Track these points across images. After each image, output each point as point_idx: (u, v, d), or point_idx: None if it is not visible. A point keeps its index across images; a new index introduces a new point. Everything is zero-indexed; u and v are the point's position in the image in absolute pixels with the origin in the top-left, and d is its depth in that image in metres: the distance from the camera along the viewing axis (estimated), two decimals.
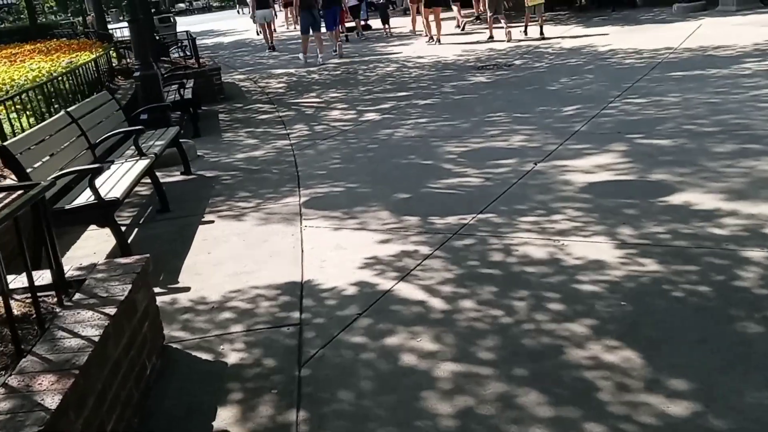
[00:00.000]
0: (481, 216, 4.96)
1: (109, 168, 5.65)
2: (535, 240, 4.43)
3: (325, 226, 5.18)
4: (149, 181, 6.09)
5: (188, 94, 9.28)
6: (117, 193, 4.79)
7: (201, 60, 13.66)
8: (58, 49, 19.03)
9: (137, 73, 7.50)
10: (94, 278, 3.32)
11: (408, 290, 3.93)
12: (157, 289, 4.27)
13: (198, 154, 7.97)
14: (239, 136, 8.98)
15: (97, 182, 4.87)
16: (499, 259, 4.21)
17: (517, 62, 12.41)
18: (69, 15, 40.78)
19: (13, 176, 5.07)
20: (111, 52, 14.47)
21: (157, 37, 16.49)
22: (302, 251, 4.71)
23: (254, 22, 21.63)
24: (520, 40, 15.03)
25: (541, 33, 15.28)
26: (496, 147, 6.87)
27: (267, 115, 10.28)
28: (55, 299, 3.13)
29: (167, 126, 7.22)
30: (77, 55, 15.39)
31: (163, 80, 10.47)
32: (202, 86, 11.88)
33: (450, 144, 7.17)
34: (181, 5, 60.28)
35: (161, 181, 6.76)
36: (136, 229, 5.67)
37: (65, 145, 5.51)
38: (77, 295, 3.15)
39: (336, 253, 4.63)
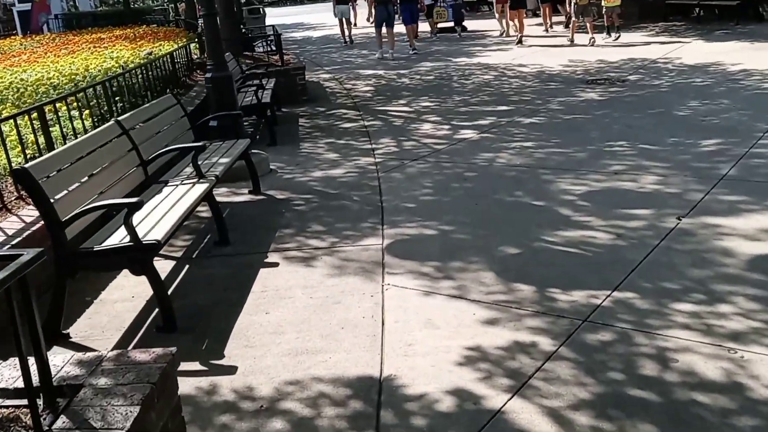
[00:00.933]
0: (617, 294, 3.79)
1: (160, 191, 4.76)
2: (699, 345, 3.24)
3: (412, 287, 4.12)
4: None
5: (266, 97, 8.38)
6: (159, 233, 3.87)
7: (285, 57, 12.84)
8: (144, 36, 18.67)
9: (208, 74, 6.62)
10: (93, 386, 2.36)
11: (527, 415, 2.83)
12: (195, 366, 3.33)
13: (271, 167, 7.05)
14: (319, 147, 8.03)
15: (139, 215, 3.96)
16: (654, 373, 3.06)
17: (632, 78, 11.03)
18: (166, 1, 41.10)
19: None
20: (194, 43, 13.84)
21: (243, 30, 15.84)
22: (383, 324, 3.67)
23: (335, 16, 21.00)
24: (603, 46, 13.58)
25: (609, 33, 15.69)
26: (623, 189, 5.66)
27: (351, 123, 9.30)
28: (29, 416, 2.18)
29: (237, 137, 6.32)
30: (160, 45, 14.87)
31: (242, 78, 9.66)
32: (284, 86, 11.05)
33: (564, 179, 6.00)
34: None
35: (225, 200, 5.91)
36: (186, 267, 4.75)
37: (110, 162, 4.63)
38: (61, 421, 2.18)
39: (427, 333, 3.56)
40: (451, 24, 20.44)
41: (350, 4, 21.06)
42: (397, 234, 5.01)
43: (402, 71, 13.87)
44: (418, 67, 14.21)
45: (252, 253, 4.85)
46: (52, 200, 3.73)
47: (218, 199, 5.94)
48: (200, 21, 21.09)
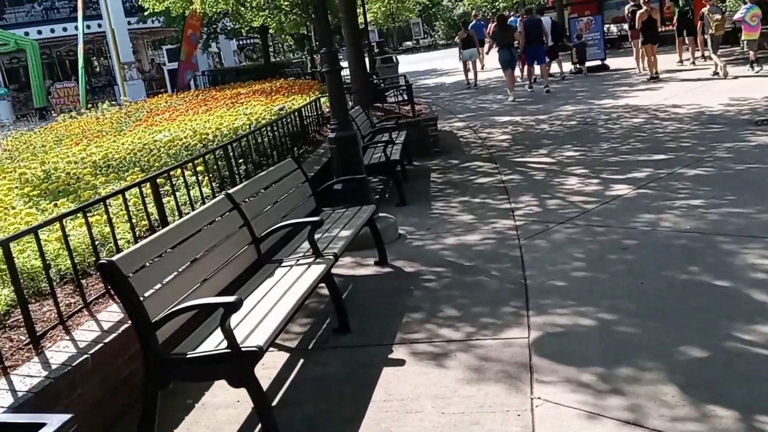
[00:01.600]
0: None
1: (272, 274, 4.20)
2: None
3: (570, 404, 3.27)
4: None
5: (395, 153, 7.80)
6: (261, 337, 3.26)
7: (417, 106, 12.32)
8: (279, 90, 18.91)
9: (332, 134, 6.11)
10: None
11: None
12: None
13: (400, 232, 6.42)
14: (452, 206, 7.31)
15: (241, 311, 3.39)
16: None
17: None
18: (305, 54, 42.35)
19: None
20: (325, 96, 13.66)
21: (375, 80, 15.57)
22: None
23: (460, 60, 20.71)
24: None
25: (752, 66, 14.96)
26: None
27: (487, 178, 8.54)
28: None
29: (363, 201, 5.73)
30: (293, 99, 14.84)
31: (371, 133, 9.18)
32: (415, 139, 10.48)
33: (751, 249, 4.93)
34: (408, 43, 61.25)
35: (349, 273, 5.31)
36: (299, 362, 4.13)
37: (216, 243, 4.13)
38: None
39: None
40: (598, 62, 19.29)
41: (477, 47, 20.82)
42: (546, 324, 4.17)
43: (541, 116, 12.98)
44: (558, 112, 13.27)
45: (374, 345, 4.17)
46: (141, 297, 3.23)
47: (341, 271, 5.38)
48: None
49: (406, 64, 31.82)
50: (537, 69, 17.90)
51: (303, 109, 9.68)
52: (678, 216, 5.93)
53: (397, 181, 7.54)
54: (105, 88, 39.60)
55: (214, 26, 34.48)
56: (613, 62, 19.99)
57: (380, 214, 6.47)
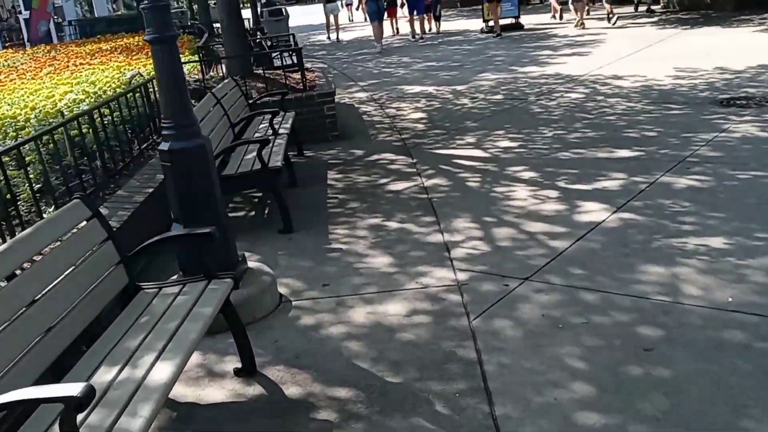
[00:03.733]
0: None
1: None
2: None
3: None
4: None
5: (276, 157, 5.42)
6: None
7: (311, 74, 9.90)
8: (146, 47, 15.92)
9: (164, 145, 3.68)
10: None
11: None
12: None
13: (281, 291, 4.14)
14: (358, 236, 5.07)
15: None
16: None
17: None
18: (186, 2, 38.37)
19: None
20: (194, 60, 10.99)
21: (259, 39, 12.95)
22: None
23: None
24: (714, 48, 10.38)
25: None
26: None
27: (403, 182, 6.32)
28: None
29: (207, 270, 3.33)
30: None
31: (245, 119, 6.76)
32: (308, 119, 8.13)
33: None
34: None
35: (188, 399, 3.01)
36: None
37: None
38: None
39: None
40: (511, 20, 17.37)
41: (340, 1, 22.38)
42: None
43: (458, 87, 10.85)
44: (477, 81, 11.18)
45: None
46: None
47: (179, 390, 3.06)
48: (216, 26, 18.32)
49: (299, 16, 28.97)
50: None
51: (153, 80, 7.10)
52: (703, 272, 3.92)
53: (281, 201, 5.18)
54: None
55: None
56: (526, 20, 18.12)
57: (250, 264, 4.15)
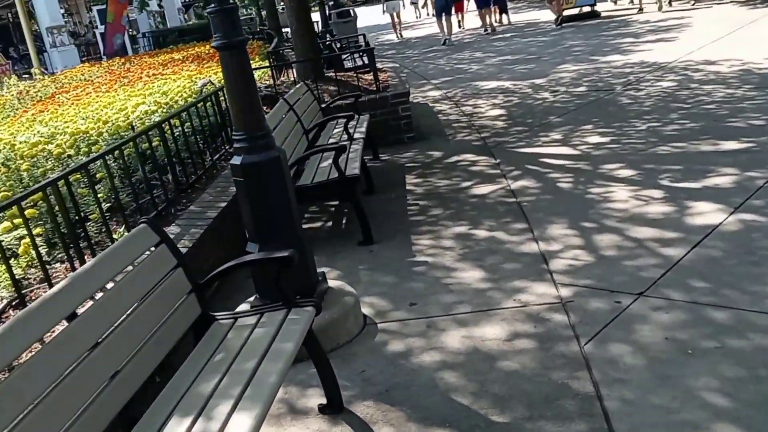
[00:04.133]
0: None
1: None
2: None
3: None
4: None
5: (353, 165, 5.08)
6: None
7: (382, 74, 9.56)
8: (216, 54, 15.97)
9: (236, 159, 3.39)
10: None
11: None
12: None
13: (365, 312, 3.79)
14: (444, 247, 4.68)
15: None
16: None
17: None
18: (254, 9, 38.77)
19: None
20: (264, 66, 10.83)
21: (329, 41, 12.72)
22: None
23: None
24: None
25: None
26: None
27: (488, 185, 5.90)
28: None
29: (286, 299, 3.01)
30: None
31: (320, 122, 6.48)
32: (382, 121, 7.80)
33: None
34: None
35: None
36: None
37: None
38: None
39: None
40: (587, 8, 16.66)
41: None
42: None
43: (537, 80, 10.31)
44: (557, 73, 10.61)
45: None
46: None
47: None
48: (285, 31, 18.23)
49: (366, 16, 28.75)
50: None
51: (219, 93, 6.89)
52: None
53: (359, 210, 4.85)
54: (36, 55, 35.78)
55: None
56: (602, 6, 17.32)
57: (330, 283, 3.83)
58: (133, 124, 6.95)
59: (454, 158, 6.97)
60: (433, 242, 4.78)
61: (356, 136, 6.12)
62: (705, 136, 6.24)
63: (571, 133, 7.14)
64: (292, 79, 9.78)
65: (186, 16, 46.76)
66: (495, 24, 18.76)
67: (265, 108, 8.20)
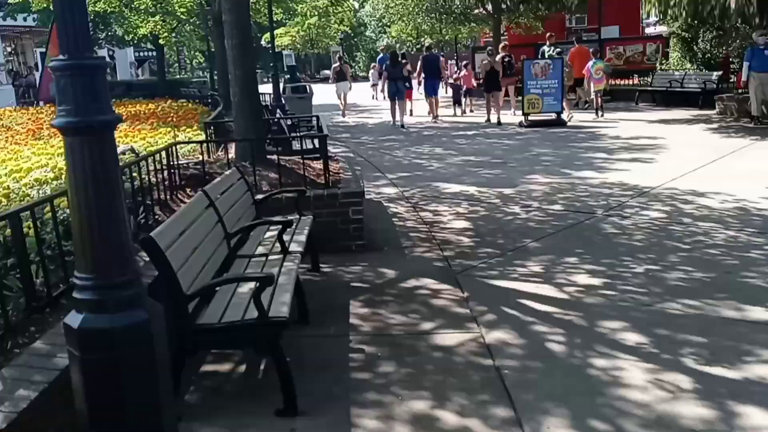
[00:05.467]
0: None
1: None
2: None
3: None
4: None
5: (281, 297, 3.65)
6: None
7: (333, 164, 8.30)
8: (154, 116, 14.58)
9: (71, 318, 1.96)
10: None
11: None
12: None
13: None
14: None
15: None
16: None
17: None
18: (208, 72, 37.74)
19: None
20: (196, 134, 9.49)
21: (277, 118, 11.49)
22: None
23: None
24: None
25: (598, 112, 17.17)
26: None
27: (454, 331, 4.56)
28: None
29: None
30: (160, 132, 10.59)
31: (254, 209, 5.13)
32: (327, 224, 6.48)
33: None
34: (327, 72, 57.21)
35: None
36: None
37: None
38: None
39: None
40: (553, 116, 15.99)
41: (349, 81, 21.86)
42: None
43: (505, 190, 9.19)
44: (527, 185, 9.53)
45: None
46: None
47: None
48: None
49: (323, 94, 27.82)
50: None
51: (145, 162, 5.46)
52: None
53: (282, 369, 3.41)
54: None
55: (102, 31, 29.47)
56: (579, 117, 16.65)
57: None
58: (10, 194, 5.46)
59: (412, 282, 5.63)
60: (381, 427, 3.36)
61: (292, 248, 4.74)
62: (721, 294, 5.07)
63: (553, 266, 5.91)
64: (232, 155, 8.41)
65: (139, 70, 45.47)
66: (437, 114, 19.12)
67: (188, 191, 6.79)
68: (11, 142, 10.63)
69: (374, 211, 8.22)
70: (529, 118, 16.23)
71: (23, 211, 3.73)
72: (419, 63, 19.44)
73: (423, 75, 18.93)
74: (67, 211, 4.48)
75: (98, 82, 2.07)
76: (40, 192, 6.04)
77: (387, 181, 10.39)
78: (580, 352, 4.15)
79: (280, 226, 4.72)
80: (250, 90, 7.73)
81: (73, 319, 2.00)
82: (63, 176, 6.65)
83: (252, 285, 3.50)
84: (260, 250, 4.87)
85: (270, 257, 4.61)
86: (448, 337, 4.46)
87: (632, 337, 4.35)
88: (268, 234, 5.23)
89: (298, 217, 5.85)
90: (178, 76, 39.76)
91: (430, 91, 18.82)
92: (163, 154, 6.57)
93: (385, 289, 5.50)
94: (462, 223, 7.61)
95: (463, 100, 20.73)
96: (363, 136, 16.49)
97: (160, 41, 23.48)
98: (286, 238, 4.87)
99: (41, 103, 23.38)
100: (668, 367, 3.90)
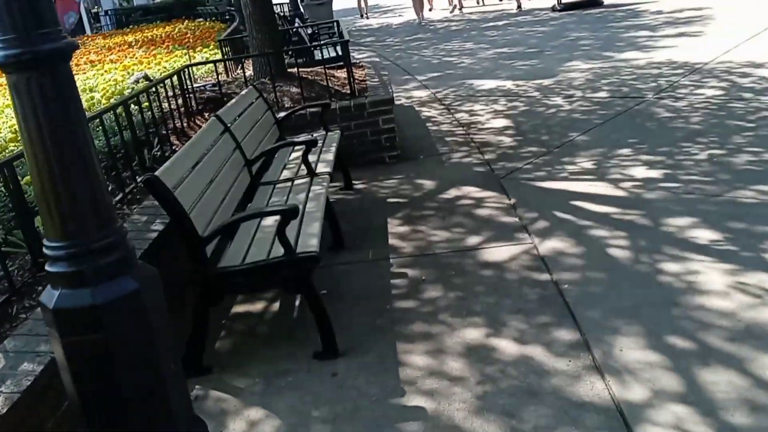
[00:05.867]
0: None
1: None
2: None
3: None
4: None
5: (310, 228, 3.27)
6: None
7: (359, 69, 7.78)
8: (171, 38, 14.04)
9: (46, 296, 1.60)
10: None
11: None
12: None
13: None
14: (450, 381, 2.92)
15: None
16: None
17: None
18: None
19: None
20: (214, 56, 9.00)
21: (296, 28, 10.87)
22: None
23: None
24: None
25: None
26: None
27: (505, 246, 4.15)
28: None
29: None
30: (175, 55, 10.12)
31: (276, 129, 4.73)
32: (357, 137, 6.05)
33: None
34: None
35: None
36: None
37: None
38: None
39: None
40: None
41: None
42: None
43: (544, 81, 8.57)
44: (566, 72, 8.88)
45: None
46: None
47: None
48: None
49: (340, 1, 26.70)
50: None
51: (159, 86, 5.06)
52: None
53: (318, 308, 3.06)
54: None
55: None
56: None
57: None
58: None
59: (453, 192, 5.20)
60: (432, 363, 3.02)
61: (320, 170, 4.32)
62: None
63: (606, 160, 5.41)
64: (250, 73, 7.94)
65: None
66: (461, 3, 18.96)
67: (206, 115, 6.37)
68: None
69: (406, 116, 7.73)
70: (563, 0, 15.21)
71: (15, 160, 3.37)
72: None
73: None
74: None
75: (41, 2, 1.64)
76: None
77: (417, 83, 9.81)
78: (648, 257, 3.72)
79: (304, 147, 4.28)
80: (263, 1, 7.15)
81: (48, 296, 1.65)
82: None
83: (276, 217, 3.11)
84: (285, 174, 4.48)
85: (296, 181, 4.21)
86: (498, 251, 4.06)
87: (704, 234, 3.89)
88: (294, 155, 4.82)
89: (324, 132, 5.41)
90: None
91: None
92: (175, 79, 6.12)
93: (424, 202, 5.09)
94: (501, 122, 7.08)
95: None
96: (388, 38, 15.72)
97: None
98: (312, 158, 4.46)
99: None
100: (750, 267, 3.45)
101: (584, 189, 4.88)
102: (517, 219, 4.52)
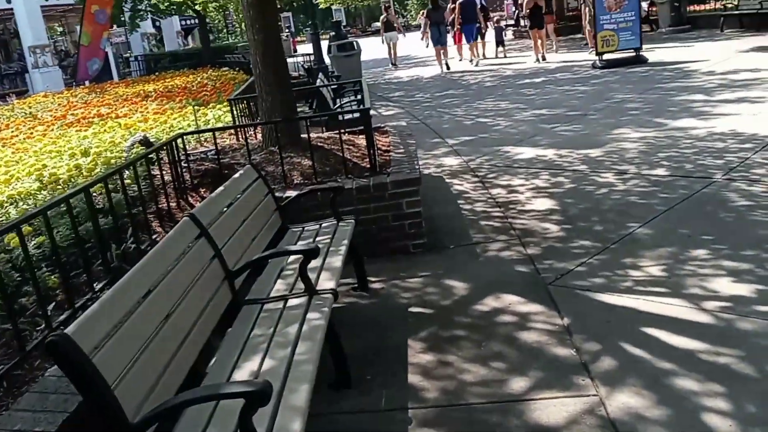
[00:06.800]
0: None
1: None
2: None
3: None
4: None
5: (297, 386, 2.31)
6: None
7: (382, 137, 6.90)
8: (187, 90, 13.37)
9: None
10: None
11: None
12: None
13: None
14: None
15: None
16: None
17: None
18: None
19: None
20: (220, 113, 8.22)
21: (318, 87, 10.08)
22: None
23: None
24: None
25: None
26: None
27: (561, 400, 3.14)
28: None
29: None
30: (186, 112, 9.38)
31: (277, 217, 3.81)
32: (376, 221, 5.13)
33: None
34: (377, 24, 55.13)
35: None
36: None
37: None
38: None
39: None
40: (631, 52, 14.07)
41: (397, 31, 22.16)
42: None
43: (591, 151, 7.61)
44: (614, 139, 7.93)
45: None
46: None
47: None
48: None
49: (374, 48, 26.20)
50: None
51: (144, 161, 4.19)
52: None
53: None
54: (18, 75, 33.29)
55: (141, 1, 28.29)
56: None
57: None
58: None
59: (490, 302, 4.22)
60: None
61: (322, 284, 3.37)
62: None
63: (678, 265, 4.39)
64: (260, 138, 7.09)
65: (187, 39, 44.46)
66: (481, 57, 19.47)
67: (202, 191, 5.49)
68: (28, 135, 9.59)
69: (435, 190, 6.81)
70: (604, 57, 14.33)
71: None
72: (456, 8, 19.06)
73: (461, 20, 18.80)
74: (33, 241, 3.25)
75: None
76: (27, 205, 4.86)
77: (448, 147, 8.90)
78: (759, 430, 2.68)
79: (302, 256, 3.34)
80: (273, 57, 6.33)
81: None
82: (54, 185, 5.50)
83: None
84: (279, 285, 3.53)
85: (289, 302, 3.26)
86: (552, 409, 3.05)
87: None
88: (292, 258, 3.88)
89: (335, 222, 4.49)
90: (225, 42, 38.61)
91: (469, 37, 18.79)
92: (168, 147, 5.25)
93: (455, 316, 4.10)
94: (544, 202, 6.11)
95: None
96: (417, 93, 14.92)
97: (197, 7, 22.25)
98: (315, 264, 3.53)
99: (85, 82, 22.57)
100: None
101: (657, 309, 3.87)
102: (573, 351, 3.52)
